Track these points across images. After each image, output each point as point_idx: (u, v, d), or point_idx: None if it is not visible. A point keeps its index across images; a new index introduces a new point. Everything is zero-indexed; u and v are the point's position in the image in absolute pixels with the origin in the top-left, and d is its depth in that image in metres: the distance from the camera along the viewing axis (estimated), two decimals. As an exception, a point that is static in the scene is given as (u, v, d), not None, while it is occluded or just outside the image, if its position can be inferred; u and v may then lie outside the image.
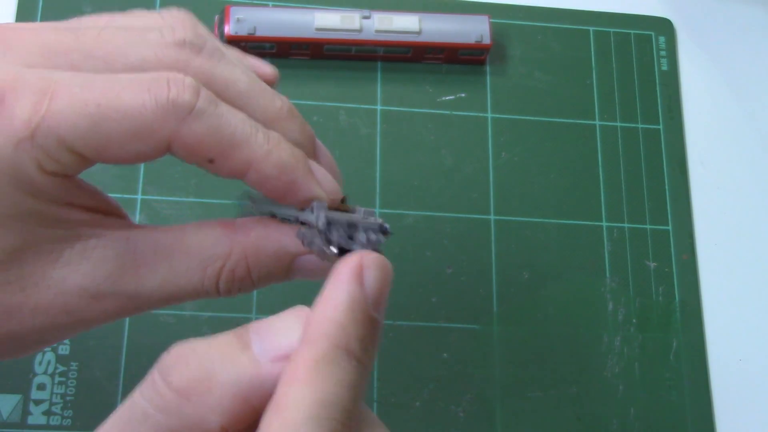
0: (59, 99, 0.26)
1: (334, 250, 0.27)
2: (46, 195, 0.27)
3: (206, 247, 0.28)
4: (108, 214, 0.29)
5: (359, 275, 0.25)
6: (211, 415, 0.23)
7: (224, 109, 0.27)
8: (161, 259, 0.28)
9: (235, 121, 0.27)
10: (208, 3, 0.52)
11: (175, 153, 0.27)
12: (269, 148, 0.27)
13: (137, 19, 0.29)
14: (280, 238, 0.28)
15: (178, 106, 0.26)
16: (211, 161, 0.27)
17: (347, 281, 0.24)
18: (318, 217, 0.28)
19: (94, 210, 0.28)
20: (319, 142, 0.31)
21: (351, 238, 0.28)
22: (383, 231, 0.28)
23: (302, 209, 0.28)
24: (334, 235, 0.28)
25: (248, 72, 0.29)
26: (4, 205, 0.26)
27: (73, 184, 0.27)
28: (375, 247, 0.28)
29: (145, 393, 0.24)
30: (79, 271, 0.27)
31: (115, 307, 0.28)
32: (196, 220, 0.33)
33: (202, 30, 0.29)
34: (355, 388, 0.23)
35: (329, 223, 0.28)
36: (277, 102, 0.29)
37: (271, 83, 0.30)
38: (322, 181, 0.28)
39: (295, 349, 0.23)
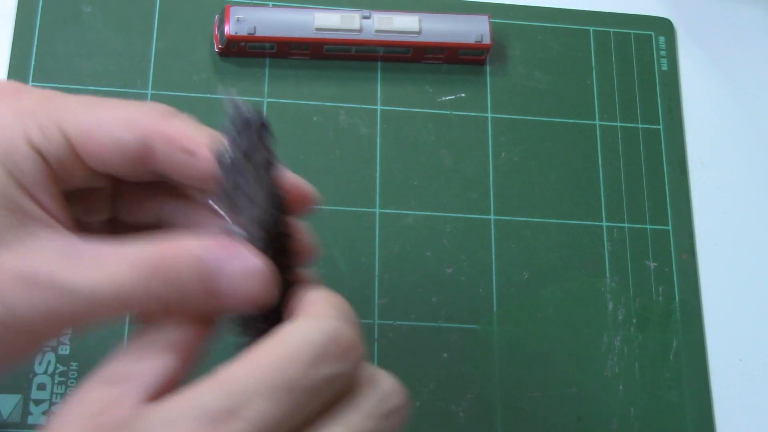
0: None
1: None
2: (21, 174, 0.28)
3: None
4: (65, 225, 0.29)
5: None
6: None
7: None
8: (102, 260, 0.28)
9: None
10: (208, 3, 0.52)
11: None
12: None
13: None
14: None
15: None
16: None
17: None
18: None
19: (52, 215, 0.29)
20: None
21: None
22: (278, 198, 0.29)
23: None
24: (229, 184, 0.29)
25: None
26: None
27: (48, 177, 0.28)
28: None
29: None
30: (18, 255, 0.27)
31: (46, 301, 0.27)
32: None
33: None
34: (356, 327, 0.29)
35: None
36: None
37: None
38: None
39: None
